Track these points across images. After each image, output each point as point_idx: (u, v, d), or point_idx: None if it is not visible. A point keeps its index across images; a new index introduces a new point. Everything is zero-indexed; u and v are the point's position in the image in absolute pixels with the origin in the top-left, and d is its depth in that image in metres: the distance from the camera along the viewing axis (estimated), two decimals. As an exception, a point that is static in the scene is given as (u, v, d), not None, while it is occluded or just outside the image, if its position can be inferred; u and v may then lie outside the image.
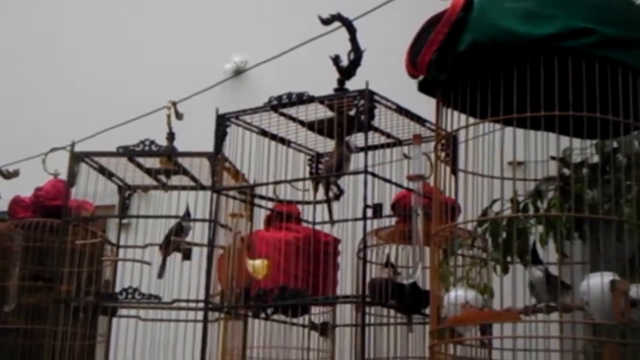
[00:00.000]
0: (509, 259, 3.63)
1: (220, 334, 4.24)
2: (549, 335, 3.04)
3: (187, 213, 4.57)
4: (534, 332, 2.97)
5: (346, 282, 4.27)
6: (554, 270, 3.37)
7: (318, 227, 4.24)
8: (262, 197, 4.26)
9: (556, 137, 3.34)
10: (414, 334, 4.09)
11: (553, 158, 3.40)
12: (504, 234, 3.71)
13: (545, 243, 3.61)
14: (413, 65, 3.27)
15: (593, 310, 2.83)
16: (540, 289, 3.04)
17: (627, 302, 2.72)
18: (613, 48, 2.94)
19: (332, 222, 4.09)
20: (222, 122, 4.03)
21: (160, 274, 4.58)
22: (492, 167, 3.37)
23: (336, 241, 4.25)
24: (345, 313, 4.38)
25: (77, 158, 4.60)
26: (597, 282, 2.80)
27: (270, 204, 4.33)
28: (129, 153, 4.52)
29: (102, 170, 4.70)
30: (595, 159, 3.71)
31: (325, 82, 4.02)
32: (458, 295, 3.08)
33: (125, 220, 5.13)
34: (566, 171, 3.59)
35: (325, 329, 4.24)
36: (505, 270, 3.65)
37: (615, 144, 3.53)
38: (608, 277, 2.80)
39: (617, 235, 3.06)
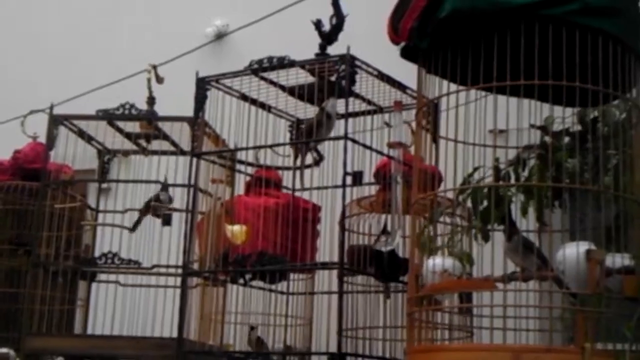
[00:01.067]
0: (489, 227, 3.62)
1: (199, 300, 4.24)
2: (527, 304, 3.06)
3: (166, 186, 4.54)
4: (511, 301, 2.97)
5: (325, 250, 4.27)
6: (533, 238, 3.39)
7: (298, 194, 4.24)
8: (241, 162, 4.23)
9: (538, 105, 3.33)
10: (391, 302, 4.08)
11: (533, 126, 3.39)
12: (485, 202, 3.70)
13: (526, 211, 3.61)
14: (395, 31, 3.24)
15: (569, 280, 2.83)
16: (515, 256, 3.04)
17: (602, 272, 2.72)
18: (594, 16, 2.92)
19: (303, 189, 4.07)
20: (202, 86, 4.00)
21: (134, 229, 4.56)
22: (475, 134, 3.36)
23: (316, 208, 4.25)
24: (324, 280, 4.38)
25: (56, 121, 4.56)
26: (573, 252, 2.80)
27: (250, 169, 4.31)
28: (108, 117, 4.48)
29: (82, 134, 4.66)
30: (577, 128, 3.70)
31: (307, 47, 3.98)
32: (437, 263, 3.08)
33: (105, 185, 5.11)
34: (547, 139, 3.58)
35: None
36: (485, 239, 3.64)
37: (596, 113, 3.52)
38: (584, 246, 2.79)
39: (595, 204, 3.06)
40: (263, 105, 4.16)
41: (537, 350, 2.72)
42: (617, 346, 2.82)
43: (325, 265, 3.97)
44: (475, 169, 3.55)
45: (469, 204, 3.81)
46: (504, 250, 3.14)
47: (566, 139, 3.60)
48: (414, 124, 3.52)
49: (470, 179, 3.69)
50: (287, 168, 4.23)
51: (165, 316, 4.40)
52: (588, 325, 2.65)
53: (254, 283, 4.08)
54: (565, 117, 3.62)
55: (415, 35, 3.13)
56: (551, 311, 3.07)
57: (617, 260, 2.82)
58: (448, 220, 3.91)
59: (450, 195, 3.71)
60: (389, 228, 3.93)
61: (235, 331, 4.23)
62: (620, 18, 3.01)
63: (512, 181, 3.73)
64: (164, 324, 4.39)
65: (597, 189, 2.96)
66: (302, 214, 4.09)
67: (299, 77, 3.95)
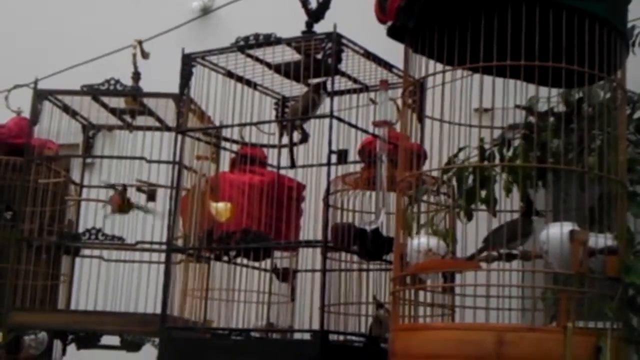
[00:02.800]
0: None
1: (183, 276, 4.24)
2: (510, 283, 3.09)
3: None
4: (494, 280, 2.99)
5: (310, 227, 4.27)
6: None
7: (283, 172, 4.24)
8: (227, 139, 4.22)
9: (523, 85, 3.34)
10: (375, 280, 4.10)
11: (518, 107, 3.40)
12: (470, 181, 3.71)
13: (510, 191, 3.63)
14: (382, 10, 3.23)
15: (552, 259, 2.85)
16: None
17: (585, 252, 2.74)
18: (580, -3, 2.93)
19: (292, 167, 4.07)
20: (188, 62, 3.98)
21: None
22: (460, 114, 3.36)
23: (301, 186, 4.25)
24: (308, 258, 4.39)
25: (40, 96, 4.54)
26: (557, 232, 2.82)
27: (235, 147, 4.30)
28: (93, 92, 4.46)
29: (66, 109, 4.64)
30: (562, 108, 3.72)
31: (294, 25, 3.97)
32: (421, 242, 3.09)
33: (89, 160, 5.09)
34: (532, 119, 3.59)
35: (286, 275, 4.24)
36: (469, 218, 3.66)
37: (581, 94, 3.54)
38: (567, 227, 2.81)
39: (579, 185, 3.09)
40: (249, 83, 4.15)
41: (519, 329, 2.74)
42: (599, 325, 2.85)
43: (309, 243, 3.98)
44: (461, 149, 3.57)
45: (453, 183, 3.84)
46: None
47: (551, 119, 3.62)
48: (399, 102, 3.51)
49: (455, 158, 3.72)
50: (273, 146, 4.22)
51: (149, 292, 4.40)
52: (571, 305, 2.67)
53: (238, 260, 4.10)
54: (550, 97, 3.65)
55: (402, 14, 3.13)
56: (534, 291, 3.10)
57: (600, 240, 2.84)
58: (432, 199, 3.94)
59: (435, 174, 3.74)
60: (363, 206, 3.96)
61: (219, 308, 4.24)
62: (605, 0, 3.01)
63: (497, 161, 3.76)
64: (148, 300, 4.39)
65: (581, 170, 2.98)
66: (286, 192, 4.09)
67: (285, 54, 3.93)
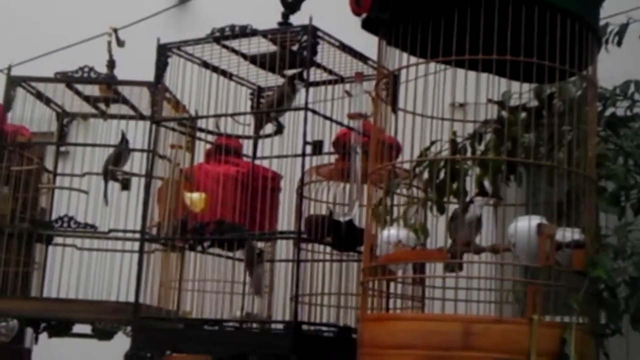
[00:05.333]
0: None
1: (157, 266, 4.24)
2: (480, 275, 3.12)
3: (125, 140, 4.53)
4: (463, 273, 3.02)
5: (285, 218, 4.29)
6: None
7: (259, 162, 4.25)
8: (201, 130, 4.23)
9: (496, 80, 3.36)
10: (348, 271, 4.13)
11: (490, 101, 3.43)
12: (442, 175, 3.74)
13: (481, 185, 3.66)
14: (357, 3, 3.25)
15: (520, 252, 2.89)
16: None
17: (552, 246, 2.78)
18: (553, -7, 2.95)
19: (263, 157, 4.07)
20: (163, 52, 3.98)
21: (105, 201, 4.55)
22: (434, 108, 3.39)
23: (277, 177, 4.26)
24: (282, 249, 4.41)
25: (13, 82, 4.52)
26: (525, 225, 2.85)
27: (210, 137, 4.31)
28: (67, 79, 4.45)
29: (40, 96, 4.62)
30: (535, 103, 3.74)
31: (272, 17, 3.97)
32: (391, 234, 3.12)
33: (63, 149, 5.07)
34: (504, 114, 3.62)
35: (260, 257, 4.24)
36: (440, 211, 3.69)
37: (553, 89, 3.57)
38: (535, 220, 2.85)
39: (549, 179, 3.12)
40: (224, 73, 4.15)
41: (486, 320, 2.77)
42: (565, 319, 2.89)
43: (283, 234, 4.00)
44: (433, 142, 3.59)
45: (425, 176, 3.86)
46: (453, 222, 3.18)
47: (523, 115, 3.65)
48: (374, 95, 3.53)
49: (427, 151, 3.74)
50: (248, 137, 4.23)
51: (122, 281, 4.40)
52: (537, 298, 2.71)
53: (212, 250, 4.11)
54: (522, 92, 3.67)
55: (377, 7, 3.15)
56: (502, 283, 3.14)
57: (567, 234, 2.88)
58: (405, 191, 3.97)
59: (406, 166, 3.76)
60: (337, 198, 3.98)
61: (193, 298, 4.25)
62: (577, -4, 3.05)
63: (469, 155, 3.78)
64: (121, 289, 4.40)
65: (550, 164, 3.01)
66: (263, 183, 4.10)
67: (261, 46, 3.94)
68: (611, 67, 3.73)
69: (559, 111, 3.40)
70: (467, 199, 3.31)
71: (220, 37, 3.89)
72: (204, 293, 4.30)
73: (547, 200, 3.11)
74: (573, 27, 3.00)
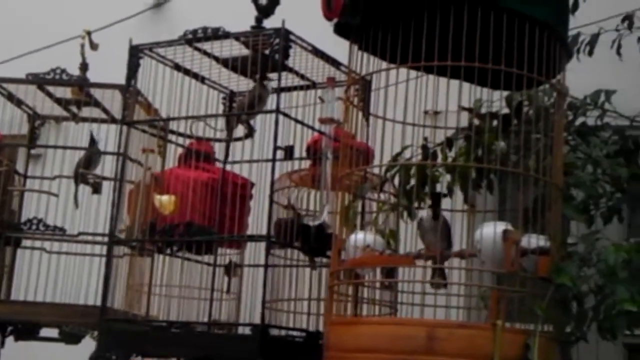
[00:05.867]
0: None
1: (125, 270, 4.22)
2: (447, 281, 3.12)
3: (93, 140, 4.50)
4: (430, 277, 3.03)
5: (254, 223, 4.28)
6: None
7: (230, 167, 4.23)
8: (173, 132, 4.22)
9: (467, 88, 3.38)
10: (317, 276, 4.12)
11: (463, 108, 3.44)
12: (413, 181, 3.75)
13: (451, 191, 3.67)
14: (328, 7, 3.25)
15: (485, 258, 2.89)
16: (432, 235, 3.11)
17: (518, 252, 2.79)
18: (523, 2, 2.97)
19: (234, 162, 4.06)
20: (135, 54, 3.97)
21: (76, 204, 4.52)
22: (406, 114, 3.39)
23: (248, 184, 4.25)
24: (252, 254, 4.39)
25: (-16, 83, 4.49)
26: (490, 231, 2.86)
27: (182, 140, 4.29)
28: (38, 81, 4.43)
29: (11, 97, 4.59)
30: (505, 111, 3.76)
31: (247, 21, 3.97)
32: (359, 238, 3.12)
33: (34, 151, 5.04)
34: (475, 122, 3.63)
35: (229, 269, 4.24)
36: (411, 217, 3.69)
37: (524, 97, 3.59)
38: (501, 226, 2.86)
39: (517, 187, 3.13)
40: (196, 76, 4.14)
41: (450, 325, 2.78)
42: (530, 326, 2.89)
43: (252, 238, 3.99)
44: (404, 148, 3.60)
45: (396, 182, 3.87)
46: (420, 228, 3.20)
47: (494, 122, 3.67)
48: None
49: (399, 157, 3.75)
50: (219, 140, 4.22)
51: (91, 285, 4.38)
52: (502, 303, 2.71)
53: (181, 254, 4.09)
54: (493, 100, 3.69)
55: (348, 11, 3.16)
56: (470, 289, 3.14)
57: (532, 241, 2.89)
58: (376, 197, 3.97)
59: (376, 172, 3.77)
60: (309, 204, 3.98)
61: (161, 302, 4.23)
62: (548, 5, 3.06)
63: (440, 161, 3.79)
64: (89, 292, 4.37)
65: (516, 170, 3.02)
66: (235, 189, 4.09)
67: (234, 49, 3.94)
68: (582, 77, 3.76)
69: (528, 119, 3.42)
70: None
71: (192, 39, 3.89)
72: (172, 298, 4.28)
73: (515, 208, 3.12)
74: (542, 36, 3.02)
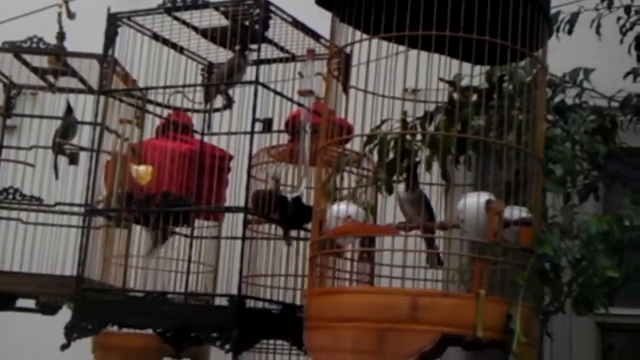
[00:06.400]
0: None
1: (102, 241, 4.19)
2: (426, 250, 3.13)
3: (69, 109, 4.46)
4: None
5: (231, 196, 4.27)
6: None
7: (207, 139, 4.21)
8: (150, 102, 4.18)
9: (448, 63, 3.38)
10: (295, 249, 4.12)
11: (442, 80, 3.44)
12: (391, 155, 3.75)
13: (430, 166, 3.67)
14: (311, -23, 3.23)
15: (468, 228, 2.90)
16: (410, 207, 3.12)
17: (500, 222, 2.80)
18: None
19: (209, 133, 4.04)
20: (114, 22, 3.93)
21: (56, 175, 4.48)
22: (385, 88, 3.38)
23: (227, 156, 4.22)
24: (229, 228, 4.37)
25: (-40, 50, 4.42)
26: (474, 201, 2.87)
27: (160, 111, 4.26)
28: (15, 49, 4.36)
29: (-14, 66, 4.53)
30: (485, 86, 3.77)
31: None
32: (340, 208, 3.12)
33: (10, 123, 4.97)
34: (455, 95, 3.64)
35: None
36: (389, 191, 3.70)
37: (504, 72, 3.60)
38: (484, 197, 2.86)
39: (498, 162, 3.14)
40: (175, 46, 4.10)
41: (433, 294, 2.79)
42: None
43: (229, 209, 3.97)
44: (383, 121, 3.59)
45: (375, 156, 3.87)
46: (400, 201, 3.20)
47: (474, 97, 3.68)
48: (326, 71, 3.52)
49: (377, 130, 3.75)
50: (197, 111, 4.19)
51: (67, 256, 4.34)
52: (484, 273, 2.73)
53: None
54: (473, 75, 3.69)
55: (331, -20, 3.14)
56: (449, 258, 3.15)
57: (515, 212, 2.90)
58: (354, 171, 3.98)
59: (357, 144, 3.77)
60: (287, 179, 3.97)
61: (137, 274, 4.20)
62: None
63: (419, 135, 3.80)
64: (66, 263, 4.33)
65: (498, 141, 3.03)
66: (211, 162, 4.06)
67: (213, 19, 3.91)
68: (561, 56, 3.78)
69: (509, 94, 3.43)
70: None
71: (171, 7, 3.85)
72: (148, 270, 4.26)
73: (496, 182, 3.13)
74: (525, 7, 3.02)
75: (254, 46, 3.78)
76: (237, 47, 3.93)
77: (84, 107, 4.51)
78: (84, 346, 4.09)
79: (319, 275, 3.02)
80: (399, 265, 3.07)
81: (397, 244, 3.04)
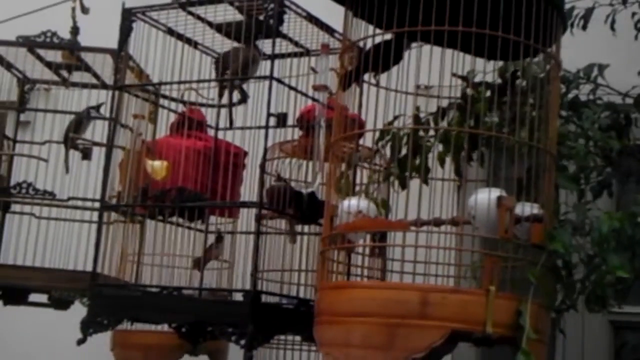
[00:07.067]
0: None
1: (116, 237, 4.20)
2: (439, 246, 3.12)
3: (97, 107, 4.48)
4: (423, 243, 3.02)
5: (245, 191, 4.28)
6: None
7: (221, 134, 4.22)
8: (165, 97, 4.19)
9: (461, 59, 3.37)
10: (307, 244, 4.12)
11: (454, 75, 3.43)
12: (404, 150, 3.74)
13: (443, 161, 3.67)
14: (325, -28, 3.23)
15: (479, 224, 2.90)
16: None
17: (512, 218, 2.79)
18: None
19: (231, 127, 4.05)
20: (128, 17, 3.93)
21: (66, 169, 4.50)
22: (397, 84, 3.38)
23: (241, 153, 4.23)
24: (243, 223, 4.39)
25: (-26, 46, 4.44)
26: (485, 197, 2.86)
27: (174, 106, 4.28)
28: (29, 43, 4.38)
29: (1, 60, 4.55)
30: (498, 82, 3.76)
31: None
32: (352, 204, 3.12)
33: (24, 118, 5.00)
34: (468, 91, 3.63)
35: (220, 239, 4.24)
36: (402, 186, 3.69)
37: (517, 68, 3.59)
38: (495, 193, 2.86)
39: (510, 158, 3.13)
40: (189, 41, 4.11)
41: (444, 290, 2.78)
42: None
43: (244, 204, 3.98)
44: (396, 117, 3.59)
45: (387, 151, 3.87)
46: None
47: (488, 93, 3.67)
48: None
49: (390, 126, 3.74)
50: (212, 105, 4.20)
51: (80, 250, 4.37)
52: (495, 269, 2.72)
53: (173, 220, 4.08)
54: (486, 70, 3.69)
55: (345, -25, 3.14)
56: (461, 255, 3.14)
57: (526, 209, 2.89)
58: (367, 166, 3.97)
59: (369, 139, 3.76)
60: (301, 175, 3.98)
61: (152, 269, 4.22)
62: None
63: (432, 131, 3.79)
64: (79, 258, 4.35)
65: (510, 137, 3.02)
66: (229, 159, 4.07)
67: (227, 14, 3.91)
68: (575, 51, 3.76)
69: (522, 90, 3.41)
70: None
71: (186, 2, 3.86)
72: (163, 266, 4.27)
73: (508, 177, 3.12)
74: (538, 3, 3.00)
75: (268, 41, 3.79)
76: (252, 41, 3.92)
77: (97, 102, 4.53)
78: (99, 342, 4.11)
79: (329, 270, 3.02)
80: (410, 261, 3.07)
81: (409, 239, 3.03)
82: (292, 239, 4.05)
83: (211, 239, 4.28)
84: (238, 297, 3.75)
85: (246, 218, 4.33)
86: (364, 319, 2.70)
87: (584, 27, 4.42)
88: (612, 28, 4.43)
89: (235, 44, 4.00)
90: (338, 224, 3.04)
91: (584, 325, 4.51)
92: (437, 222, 3.11)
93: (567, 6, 4.04)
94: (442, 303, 2.67)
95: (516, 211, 2.85)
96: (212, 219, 4.37)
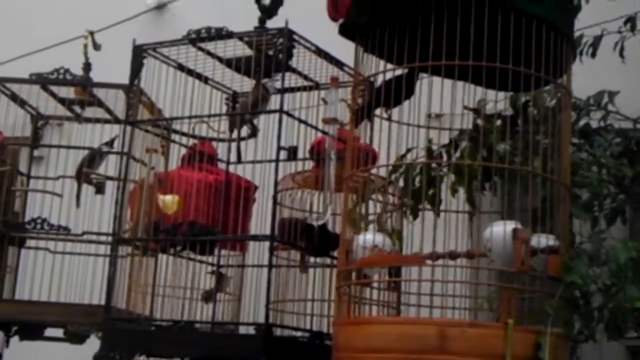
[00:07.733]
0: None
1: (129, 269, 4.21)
2: (455, 280, 3.12)
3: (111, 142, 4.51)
4: (438, 278, 3.02)
5: (257, 224, 4.28)
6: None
7: (232, 168, 4.23)
8: (176, 132, 4.21)
9: (472, 90, 3.38)
10: (320, 277, 4.12)
11: (466, 108, 3.44)
12: (417, 182, 3.75)
13: (456, 191, 3.67)
14: (334, 7, 3.25)
15: (495, 257, 2.89)
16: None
17: (527, 251, 2.79)
18: (528, 1, 2.97)
19: (239, 162, 4.06)
20: (139, 54, 3.97)
21: (77, 203, 4.52)
22: (410, 116, 3.40)
23: (252, 187, 4.24)
24: (254, 256, 4.38)
25: (-12, 83, 4.48)
26: (500, 230, 2.86)
27: (185, 140, 4.29)
28: (42, 80, 4.42)
29: (14, 97, 4.58)
30: (510, 112, 3.77)
31: (248, 21, 3.97)
32: (367, 238, 3.11)
33: (37, 153, 5.03)
34: (479, 122, 3.64)
35: (221, 280, 4.24)
36: (415, 217, 3.70)
37: (528, 98, 3.60)
38: (511, 225, 2.86)
39: (524, 188, 3.13)
40: (200, 76, 4.14)
41: (461, 324, 2.78)
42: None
43: (255, 238, 3.99)
44: (409, 150, 3.60)
45: (401, 183, 3.88)
46: None
47: (498, 123, 3.68)
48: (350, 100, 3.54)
49: (403, 159, 3.75)
50: (222, 140, 4.22)
51: (95, 284, 4.37)
52: (512, 302, 2.71)
53: (184, 254, 4.08)
54: (497, 100, 3.70)
55: (354, 11, 3.15)
56: (477, 288, 3.14)
57: (542, 240, 2.89)
58: (380, 198, 3.98)
59: (383, 173, 3.77)
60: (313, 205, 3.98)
61: (164, 302, 4.22)
62: (553, 3, 3.07)
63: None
64: (94, 292, 4.36)
65: (524, 168, 3.02)
66: (239, 192, 4.08)
67: (237, 49, 3.94)
68: (585, 79, 3.77)
69: (534, 119, 3.42)
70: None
71: (196, 38, 3.89)
72: (175, 298, 4.27)
73: (522, 208, 3.12)
74: (548, 35, 3.02)
75: (277, 75, 3.81)
76: (260, 76, 3.94)
77: (110, 136, 4.55)
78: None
79: (346, 305, 3.02)
80: (427, 294, 3.07)
81: (425, 273, 3.03)
82: (304, 269, 4.05)
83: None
84: (249, 330, 3.76)
85: (257, 249, 4.33)
86: (383, 355, 2.70)
87: (593, 55, 4.43)
88: (621, 55, 4.44)
89: (246, 79, 4.03)
90: (353, 258, 3.04)
91: (601, 352, 4.49)
92: (453, 255, 3.10)
93: (576, 34, 4.05)
94: (460, 337, 2.66)
95: (532, 243, 2.84)
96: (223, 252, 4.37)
